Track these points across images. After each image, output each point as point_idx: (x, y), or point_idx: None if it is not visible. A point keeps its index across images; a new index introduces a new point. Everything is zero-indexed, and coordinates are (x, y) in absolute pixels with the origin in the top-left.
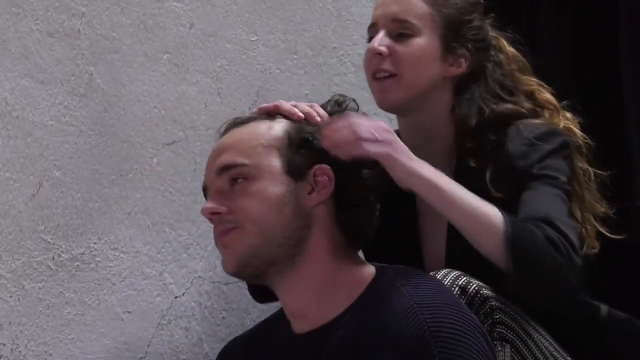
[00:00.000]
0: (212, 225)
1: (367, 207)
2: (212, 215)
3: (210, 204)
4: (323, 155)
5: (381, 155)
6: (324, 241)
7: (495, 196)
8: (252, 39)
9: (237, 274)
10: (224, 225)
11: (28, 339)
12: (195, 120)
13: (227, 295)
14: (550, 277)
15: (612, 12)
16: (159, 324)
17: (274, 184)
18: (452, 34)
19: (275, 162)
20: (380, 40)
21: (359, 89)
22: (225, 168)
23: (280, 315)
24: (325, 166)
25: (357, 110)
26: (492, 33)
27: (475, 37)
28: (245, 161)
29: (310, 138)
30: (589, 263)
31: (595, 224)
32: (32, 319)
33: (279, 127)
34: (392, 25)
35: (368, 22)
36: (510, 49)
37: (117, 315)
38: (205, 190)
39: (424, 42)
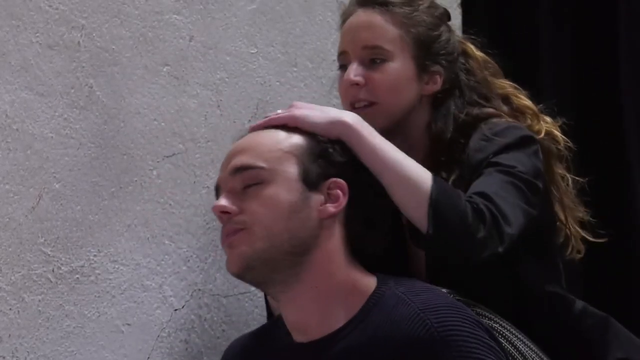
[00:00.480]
0: (213, 237)
1: (378, 226)
2: (222, 213)
3: (221, 202)
4: (340, 169)
5: (288, 120)
6: (330, 254)
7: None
8: (252, 51)
9: (240, 275)
10: (233, 226)
11: (28, 352)
12: (195, 133)
13: (227, 308)
14: (465, 246)
15: (611, 18)
16: (158, 336)
17: (287, 190)
18: (424, 52)
19: (291, 169)
20: (355, 70)
21: None
22: (241, 169)
23: (280, 323)
24: (341, 180)
25: None
26: (457, 39)
27: (446, 51)
28: (263, 164)
29: (330, 150)
30: (575, 266)
31: (576, 228)
32: (31, 331)
33: (299, 135)
34: (363, 53)
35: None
36: (479, 54)
37: (116, 327)
38: (217, 189)
39: (398, 66)
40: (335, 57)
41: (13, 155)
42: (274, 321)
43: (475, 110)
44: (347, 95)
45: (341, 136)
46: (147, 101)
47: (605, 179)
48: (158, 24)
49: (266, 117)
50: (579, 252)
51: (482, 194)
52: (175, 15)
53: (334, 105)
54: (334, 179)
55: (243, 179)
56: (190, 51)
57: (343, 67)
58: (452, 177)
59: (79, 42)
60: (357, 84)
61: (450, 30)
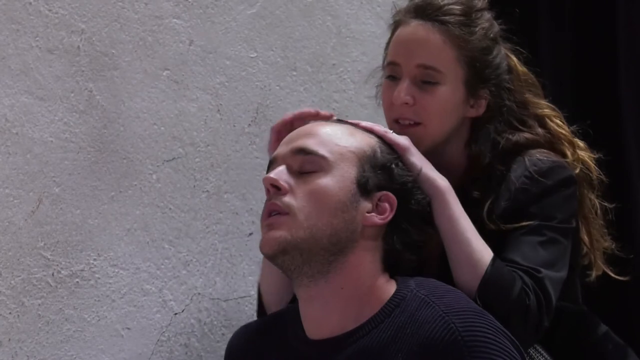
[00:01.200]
0: (213, 241)
1: (414, 245)
2: (272, 186)
3: (274, 175)
4: (395, 186)
5: (400, 142)
6: (363, 260)
7: (489, 229)
8: (252, 55)
9: (272, 257)
10: (278, 205)
11: (27, 356)
12: (194, 137)
13: (227, 312)
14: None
15: (611, 25)
16: (158, 340)
17: (340, 187)
18: (476, 78)
19: (351, 170)
20: (406, 89)
21: (359, 106)
22: (305, 151)
23: (289, 318)
24: (392, 196)
25: None
26: (505, 56)
27: (496, 76)
28: (326, 154)
29: (393, 166)
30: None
31: (600, 263)
32: (31, 335)
33: (369, 141)
34: (416, 71)
35: (368, 39)
36: (521, 68)
37: (116, 331)
38: (272, 162)
39: (449, 91)
40: (334, 61)
41: (13, 159)
42: (279, 316)
43: (515, 137)
44: (393, 111)
45: (429, 194)
46: (147, 105)
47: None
48: (158, 28)
49: (383, 130)
50: (598, 272)
51: (534, 277)
52: (175, 20)
53: (332, 110)
54: (387, 193)
55: (302, 162)
56: (190, 55)
57: (391, 78)
58: (487, 204)
59: (78, 47)
60: (406, 103)
61: (501, 49)
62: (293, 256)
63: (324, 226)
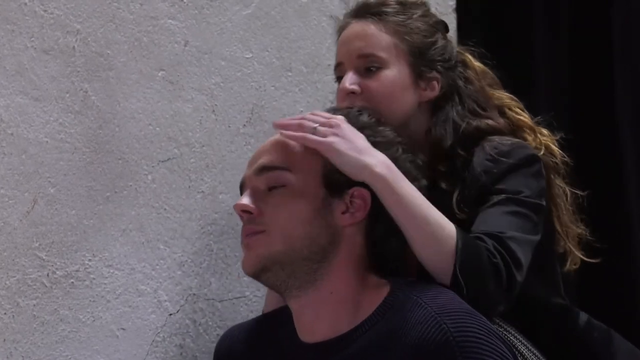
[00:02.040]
0: (208, 241)
1: (398, 237)
2: (243, 212)
3: (243, 201)
4: None
5: (322, 148)
6: (349, 262)
7: (460, 218)
8: (247, 56)
9: (254, 276)
10: (252, 227)
11: (22, 356)
12: (190, 137)
13: (222, 312)
14: (482, 303)
15: (606, 32)
16: (153, 341)
17: (309, 194)
18: (420, 59)
19: (315, 175)
20: (350, 78)
21: None
22: (265, 169)
23: (285, 319)
24: (364, 190)
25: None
26: (456, 49)
27: (442, 58)
28: (287, 166)
29: None
30: (571, 276)
31: (575, 251)
32: (26, 336)
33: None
34: (358, 62)
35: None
36: (477, 64)
37: (111, 332)
38: (242, 186)
39: (393, 73)
40: (330, 62)
41: (8, 160)
42: (272, 317)
43: (476, 122)
44: (344, 105)
45: (368, 183)
46: (142, 106)
47: (599, 188)
48: (153, 28)
49: (301, 119)
50: (575, 263)
51: (496, 237)
52: (170, 20)
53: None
54: (358, 188)
55: (267, 180)
56: (185, 56)
57: (340, 79)
58: (455, 194)
59: (74, 47)
60: (353, 92)
61: (446, 38)
62: (275, 272)
63: (300, 238)
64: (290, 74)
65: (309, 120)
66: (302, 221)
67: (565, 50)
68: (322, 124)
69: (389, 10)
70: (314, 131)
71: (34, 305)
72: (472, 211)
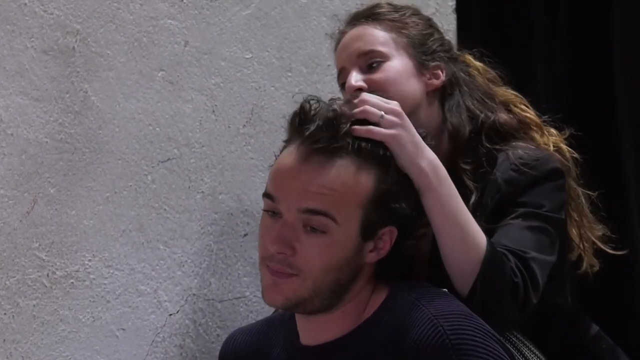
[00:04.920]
0: (208, 242)
1: (408, 258)
2: (277, 253)
3: (276, 247)
4: (394, 216)
5: (390, 141)
6: (364, 285)
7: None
8: (247, 56)
9: (274, 307)
10: (285, 269)
11: (22, 357)
12: (189, 138)
13: (222, 312)
14: (496, 320)
15: (605, 25)
16: (153, 341)
17: (347, 245)
18: (419, 49)
19: (354, 225)
20: (355, 76)
21: None
22: (310, 211)
23: (283, 321)
24: (395, 230)
25: None
26: (456, 51)
27: (442, 48)
28: (336, 216)
29: (394, 197)
30: (588, 281)
31: (596, 241)
32: (26, 336)
33: (368, 180)
34: (360, 61)
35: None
36: (478, 63)
37: (111, 332)
38: (269, 196)
39: (396, 64)
40: (329, 63)
41: (8, 160)
42: (272, 319)
43: (493, 116)
44: None
45: (412, 177)
46: (142, 106)
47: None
48: (153, 29)
49: (363, 105)
50: (592, 266)
51: (519, 257)
52: (170, 21)
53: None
54: (390, 229)
55: (309, 221)
56: (185, 56)
57: (344, 85)
58: (473, 197)
59: (73, 47)
60: (359, 88)
61: (441, 34)
62: (294, 307)
63: (328, 284)
64: (290, 74)
65: (373, 105)
66: (334, 269)
67: (565, 51)
68: (387, 112)
69: (382, 11)
70: (380, 119)
71: (34, 305)
72: (487, 221)
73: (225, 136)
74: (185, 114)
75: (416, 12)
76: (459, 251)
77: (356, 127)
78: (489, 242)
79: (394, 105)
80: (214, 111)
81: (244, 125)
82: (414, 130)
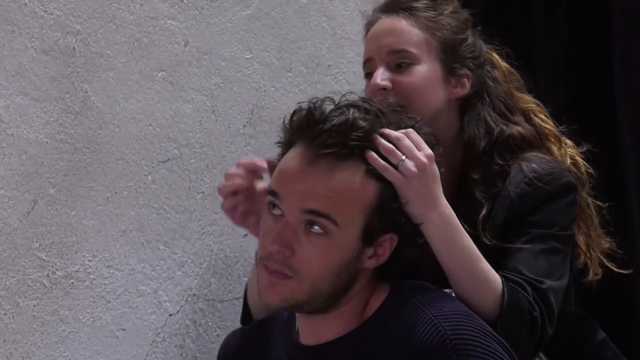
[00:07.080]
0: (208, 242)
1: (410, 263)
2: (277, 252)
3: (276, 246)
4: (395, 224)
5: (401, 186)
6: (362, 288)
7: (475, 234)
8: (247, 56)
9: (271, 307)
10: (282, 269)
11: (22, 357)
12: (190, 138)
13: (222, 312)
14: (512, 346)
15: (605, 26)
16: (153, 341)
17: (346, 249)
18: (451, 55)
19: (356, 230)
20: (382, 74)
21: None
22: (313, 212)
23: (286, 322)
24: (396, 237)
25: None
26: (484, 48)
27: (472, 55)
28: (337, 219)
29: (396, 208)
30: (591, 289)
31: (601, 257)
32: (26, 336)
33: (373, 187)
34: (389, 58)
35: (363, 41)
36: (504, 65)
37: (111, 332)
38: (274, 193)
39: (425, 69)
40: (330, 63)
41: (8, 160)
42: (271, 320)
43: (509, 130)
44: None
45: (422, 229)
46: (142, 106)
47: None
48: (153, 29)
49: (398, 143)
50: (596, 274)
51: (536, 287)
52: (170, 21)
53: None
54: (391, 236)
55: (310, 220)
56: (185, 56)
57: (369, 75)
58: (483, 210)
59: (74, 48)
60: (384, 88)
61: (475, 35)
62: (291, 308)
63: (326, 287)
64: (290, 74)
65: (402, 147)
66: (332, 273)
67: (565, 51)
68: (411, 158)
69: (419, 5)
70: (398, 164)
71: (34, 305)
72: (496, 235)
73: (226, 136)
74: (186, 114)
75: (455, 10)
76: (475, 298)
77: (372, 155)
78: (504, 284)
79: (423, 156)
80: (214, 111)
81: (244, 125)
82: (433, 182)
